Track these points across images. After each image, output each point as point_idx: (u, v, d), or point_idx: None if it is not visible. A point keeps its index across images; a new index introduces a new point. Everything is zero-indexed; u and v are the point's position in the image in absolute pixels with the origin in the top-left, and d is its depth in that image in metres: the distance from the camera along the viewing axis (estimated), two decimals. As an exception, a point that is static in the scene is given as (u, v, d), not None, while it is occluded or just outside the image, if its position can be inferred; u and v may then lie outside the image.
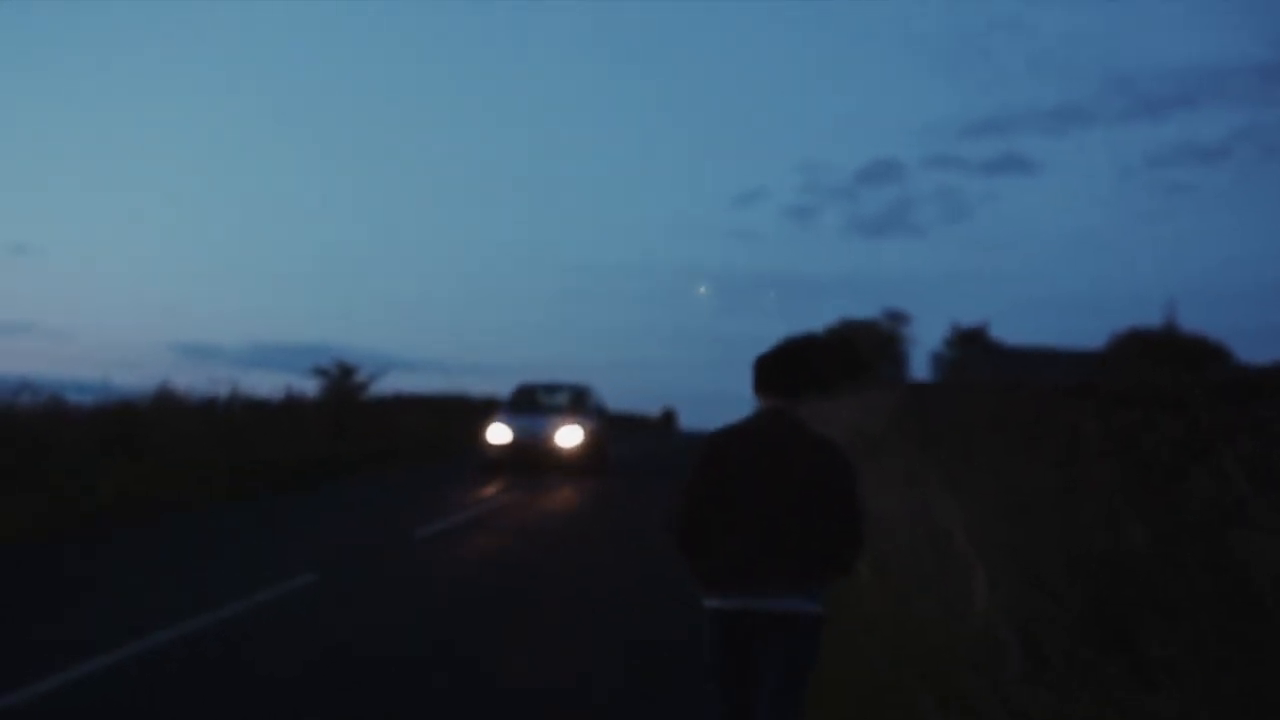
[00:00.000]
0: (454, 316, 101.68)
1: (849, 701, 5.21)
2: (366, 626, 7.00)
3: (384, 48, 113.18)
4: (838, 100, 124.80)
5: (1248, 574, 4.76)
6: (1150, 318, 45.99)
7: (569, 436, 19.87)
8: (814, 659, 3.70)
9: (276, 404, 22.07)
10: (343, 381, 25.33)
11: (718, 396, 74.53)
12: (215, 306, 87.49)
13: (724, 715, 3.82)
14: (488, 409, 24.31)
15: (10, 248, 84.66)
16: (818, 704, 4.70)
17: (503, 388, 23.41)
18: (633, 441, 35.75)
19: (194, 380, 23.08)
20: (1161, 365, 25.99)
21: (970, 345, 53.84)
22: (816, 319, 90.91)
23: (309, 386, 24.62)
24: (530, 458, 19.55)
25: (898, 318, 64.13)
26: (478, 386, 43.89)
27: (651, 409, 67.31)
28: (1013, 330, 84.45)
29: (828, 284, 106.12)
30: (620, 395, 68.59)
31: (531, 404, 21.77)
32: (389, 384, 29.19)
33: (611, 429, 24.20)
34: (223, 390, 20.02)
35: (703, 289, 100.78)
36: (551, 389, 22.89)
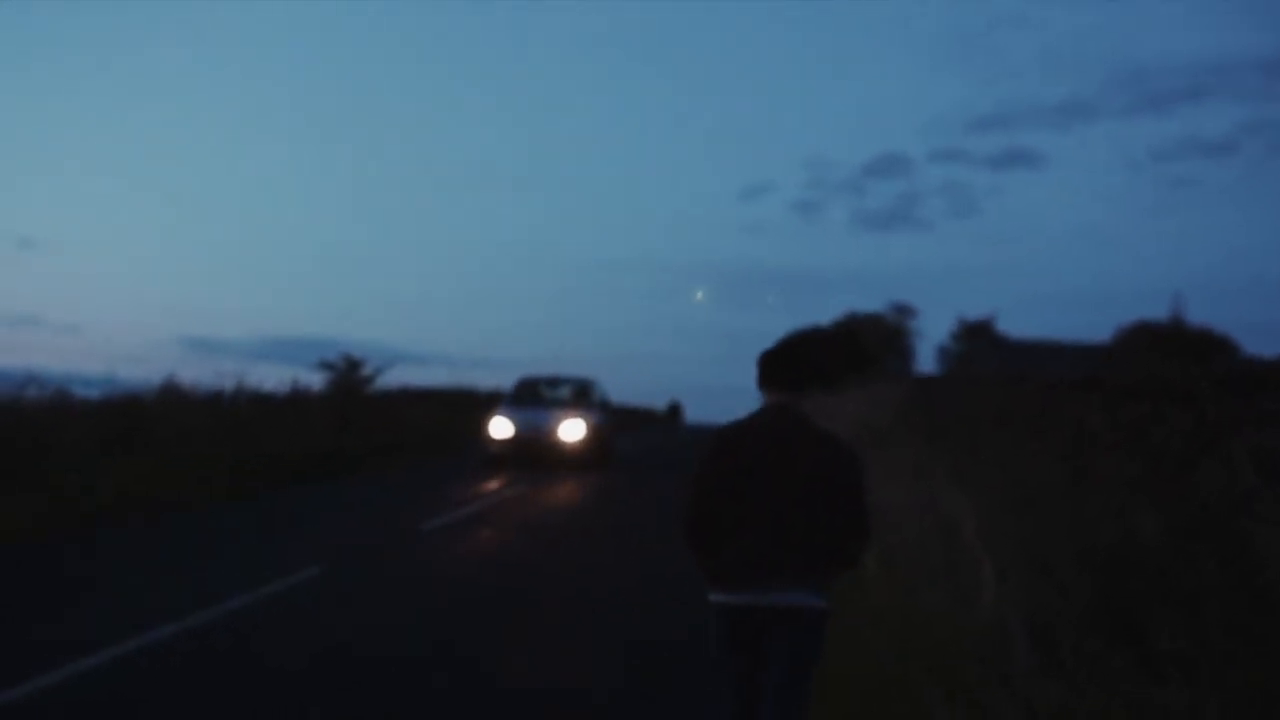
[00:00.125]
0: (461, 311, 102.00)
1: (855, 696, 5.18)
2: (365, 626, 6.96)
3: (390, 45, 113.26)
4: (844, 95, 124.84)
5: (1257, 566, 4.74)
6: (1157, 311, 45.91)
7: (572, 430, 19.59)
8: (818, 653, 3.70)
9: (282, 398, 22.03)
10: (349, 375, 25.25)
11: (724, 390, 74.64)
12: (223, 300, 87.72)
13: (731, 710, 3.81)
14: (494, 402, 24.15)
15: (18, 241, 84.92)
16: (823, 699, 4.68)
17: (509, 381, 23.11)
18: (639, 435, 35.73)
19: (200, 374, 23.10)
20: (1168, 359, 25.89)
21: (977, 339, 53.77)
22: (823, 313, 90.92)
23: (315, 380, 24.61)
24: (532, 452, 19.26)
25: (904, 311, 64.12)
26: (485, 380, 43.95)
27: (658, 403, 67.42)
28: (1019, 324, 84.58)
29: (834, 278, 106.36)
30: (627, 389, 68.79)
31: (534, 397, 21.46)
32: (395, 378, 29.20)
33: (615, 423, 23.93)
34: (228, 384, 19.99)
35: (699, 295, 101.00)
36: (554, 382, 22.55)
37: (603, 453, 20.74)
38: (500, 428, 19.51)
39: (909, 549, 7.80)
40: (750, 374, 3.92)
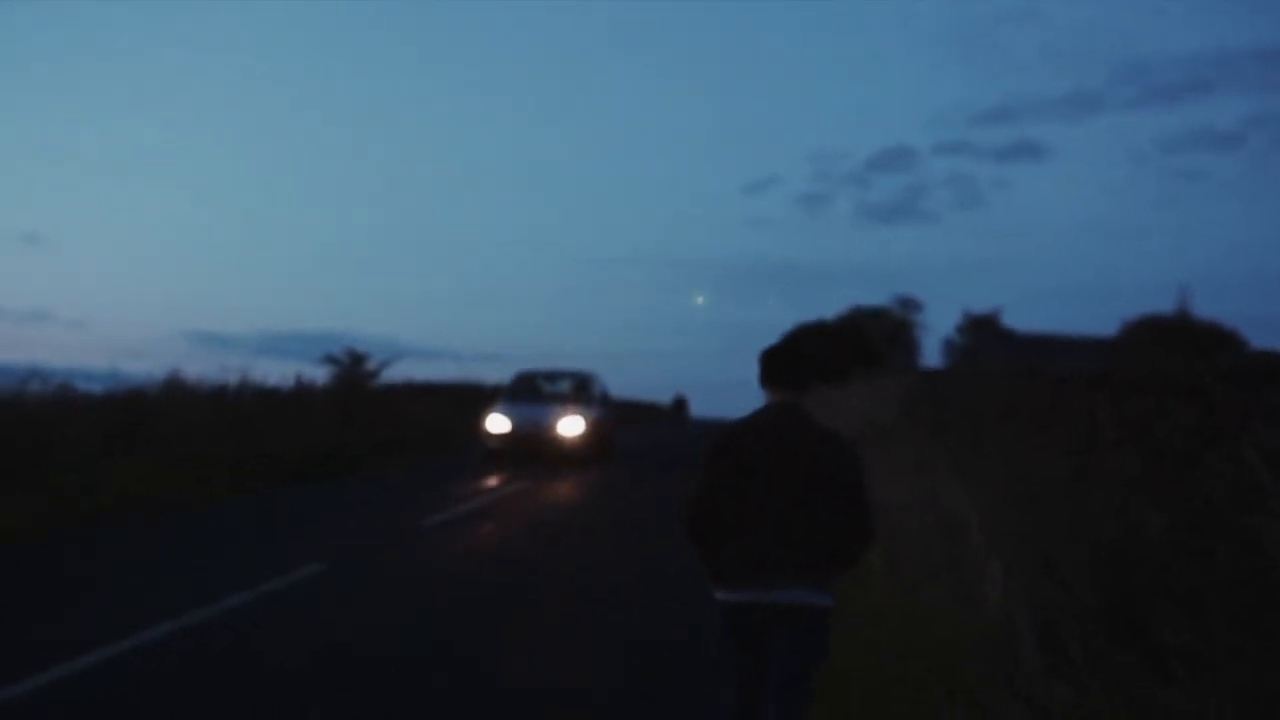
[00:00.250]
0: (467, 306, 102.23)
1: (856, 696, 5.13)
2: (365, 625, 6.93)
3: (393, 42, 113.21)
4: (848, 88, 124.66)
5: (1269, 563, 4.68)
6: (1163, 305, 45.72)
7: (571, 426, 19.15)
8: (821, 651, 3.69)
9: (286, 392, 21.93)
10: (353, 369, 25.26)
11: (730, 385, 74.67)
12: (228, 295, 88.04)
13: (734, 708, 3.82)
14: (498, 397, 23.96)
15: (24, 237, 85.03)
16: (824, 698, 4.63)
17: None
18: (644, 430, 35.70)
19: (206, 369, 23.04)
20: (1174, 352, 25.77)
21: (982, 332, 53.60)
22: (828, 307, 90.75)
23: (319, 375, 24.59)
24: (531, 448, 18.85)
25: (910, 305, 63.84)
26: (491, 375, 43.95)
27: (664, 398, 67.40)
28: (1025, 317, 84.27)
29: (839, 272, 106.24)
30: (633, 384, 68.78)
31: (532, 392, 21.00)
32: (401, 372, 29.29)
33: (617, 417, 23.51)
34: (233, 379, 19.91)
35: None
36: (553, 376, 22.08)
37: (603, 448, 20.34)
38: (498, 424, 19.10)
39: (912, 546, 7.74)
40: (756, 368, 3.93)
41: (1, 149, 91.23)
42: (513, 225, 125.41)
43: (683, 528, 3.78)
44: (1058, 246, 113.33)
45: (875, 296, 74.96)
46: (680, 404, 69.28)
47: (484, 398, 28.66)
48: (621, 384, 60.70)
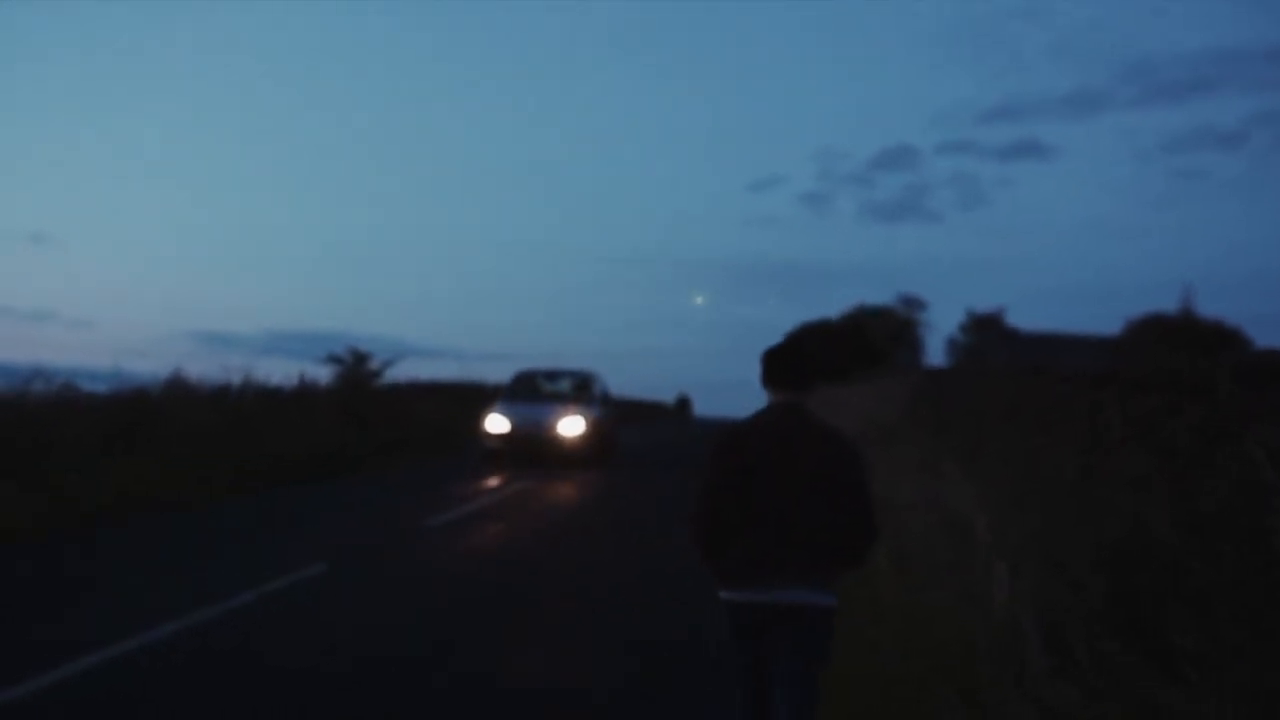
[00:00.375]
0: (471, 305, 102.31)
1: (858, 696, 5.11)
2: (365, 625, 6.91)
3: (399, 40, 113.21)
4: (852, 87, 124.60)
5: (1274, 562, 4.65)
6: (1167, 304, 45.58)
7: (571, 426, 18.79)
8: (825, 651, 3.69)
9: (289, 392, 21.82)
10: (356, 369, 25.17)
11: (734, 384, 74.69)
12: (233, 295, 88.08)
13: (742, 707, 3.83)
14: (497, 397, 23.77)
15: (29, 237, 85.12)
16: (828, 699, 4.60)
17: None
18: (647, 430, 35.66)
19: (210, 368, 22.99)
20: (1178, 351, 25.71)
21: (986, 331, 53.56)
22: (832, 306, 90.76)
23: (323, 374, 24.53)
24: (530, 449, 18.49)
25: (913, 304, 63.85)
26: (495, 374, 43.96)
27: (668, 397, 67.42)
28: (1029, 316, 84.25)
29: (843, 270, 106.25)
30: (637, 383, 68.77)
31: (532, 392, 20.63)
32: (405, 371, 29.16)
33: (618, 417, 23.15)
34: (236, 378, 19.78)
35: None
36: (553, 375, 21.72)
37: (604, 449, 20.01)
38: (497, 424, 18.77)
39: (916, 545, 7.72)
40: (758, 369, 3.91)
41: (6, 149, 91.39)
42: (518, 224, 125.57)
43: (690, 528, 3.77)
44: (1061, 245, 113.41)
45: (879, 296, 74.85)
46: (684, 403, 69.31)
47: (487, 397, 28.59)
48: (625, 383, 60.79)
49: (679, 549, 9.28)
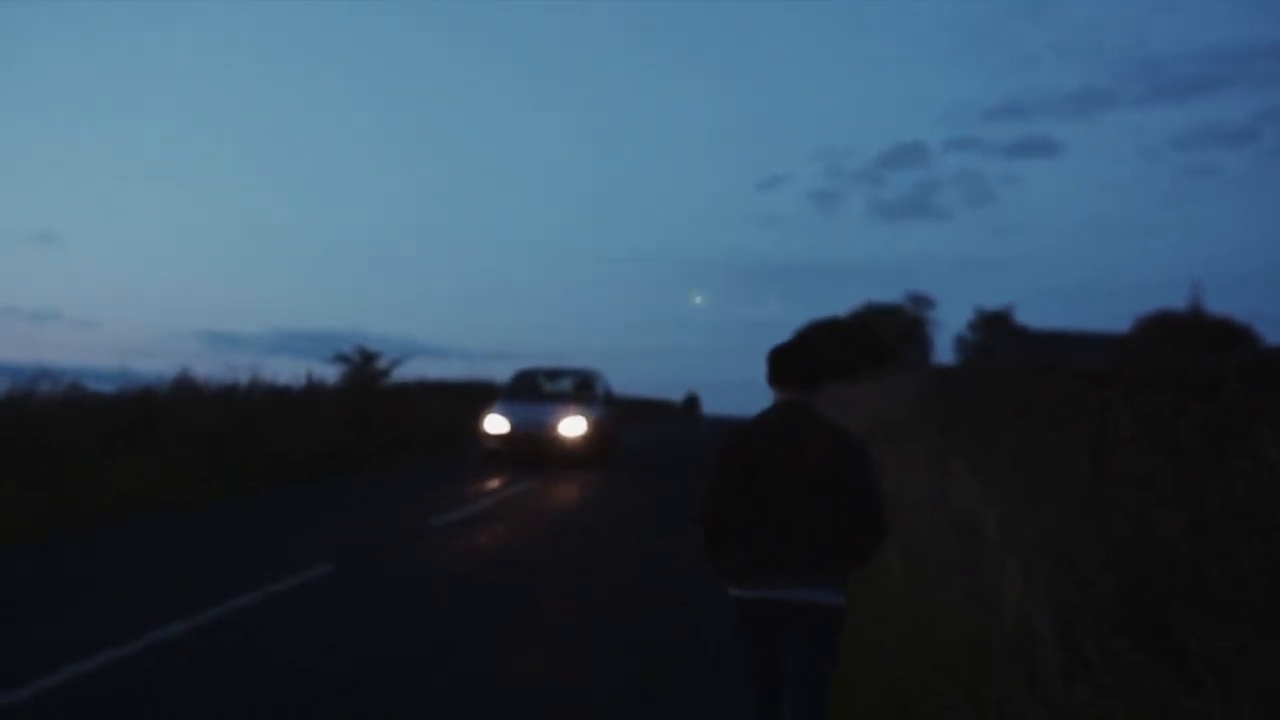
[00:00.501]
0: (479, 304, 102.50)
1: (860, 696, 5.07)
2: (365, 625, 6.88)
3: (404, 38, 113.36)
4: (859, 85, 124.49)
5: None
6: (1175, 301, 45.50)
7: (572, 426, 18.41)
8: (833, 649, 3.67)
9: (296, 391, 21.70)
10: (363, 368, 25.13)
11: (743, 383, 74.65)
12: (241, 295, 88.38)
13: (755, 707, 3.82)
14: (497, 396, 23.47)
15: (36, 237, 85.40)
16: (834, 700, 4.56)
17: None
18: (653, 429, 35.59)
19: (218, 368, 22.91)
20: (1186, 348, 25.59)
21: (995, 329, 53.49)
22: (841, 304, 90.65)
23: (330, 373, 24.48)
24: (530, 450, 18.14)
25: (922, 302, 63.79)
26: (502, 373, 43.87)
27: (676, 395, 67.42)
28: (1037, 314, 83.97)
29: (851, 269, 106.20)
30: (645, 382, 68.78)
31: (533, 391, 20.26)
32: (412, 370, 29.09)
33: (620, 417, 22.78)
34: (242, 378, 19.64)
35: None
36: (554, 374, 21.32)
37: (605, 449, 19.64)
38: (496, 424, 18.45)
39: (924, 544, 7.67)
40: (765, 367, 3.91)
41: (13, 149, 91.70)
42: (526, 224, 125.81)
43: (699, 526, 3.78)
44: (1069, 243, 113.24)
45: (888, 293, 74.96)
46: (692, 402, 69.31)
47: (493, 396, 28.53)
48: (634, 382, 60.83)
49: (679, 549, 9.25)
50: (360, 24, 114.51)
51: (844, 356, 43.78)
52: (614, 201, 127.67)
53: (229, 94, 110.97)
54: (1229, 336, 37.16)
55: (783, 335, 3.92)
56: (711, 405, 68.56)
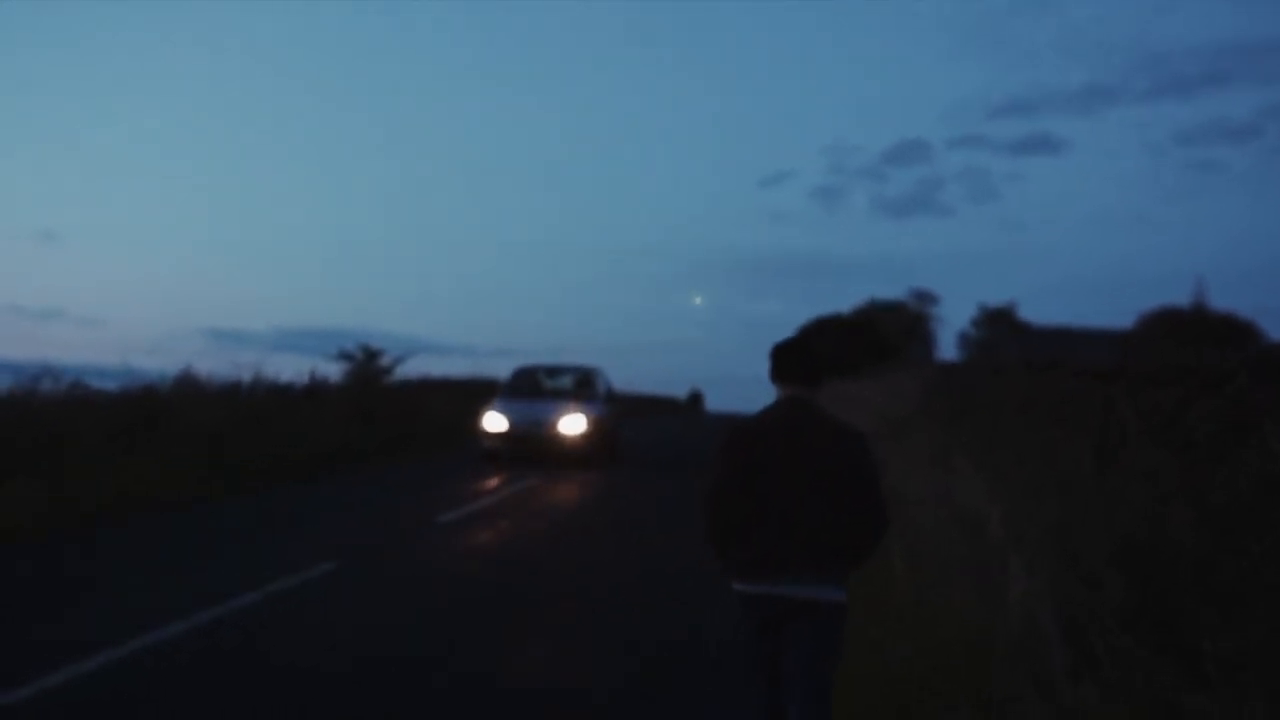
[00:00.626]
0: (483, 301, 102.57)
1: (859, 695, 5.04)
2: (366, 625, 6.85)
3: (409, 37, 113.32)
4: (864, 81, 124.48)
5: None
6: (1179, 297, 45.40)
7: (572, 424, 18.09)
8: (834, 646, 3.67)
9: (300, 389, 21.70)
10: (367, 365, 25.07)
11: (747, 379, 74.61)
12: (244, 292, 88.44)
13: (759, 705, 3.81)
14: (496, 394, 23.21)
15: (40, 234, 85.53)
16: (836, 700, 4.53)
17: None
18: (657, 425, 35.50)
19: (221, 366, 22.87)
20: (1190, 345, 25.51)
21: (998, 325, 53.40)
22: (845, 300, 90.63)
23: (334, 371, 24.44)
24: (529, 448, 17.88)
25: (925, 298, 63.65)
26: (506, 370, 43.82)
27: (680, 391, 67.40)
28: (1041, 310, 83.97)
29: (855, 265, 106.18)
30: (649, 378, 68.72)
31: (532, 388, 19.93)
32: (417, 367, 28.97)
33: (621, 414, 22.44)
34: (246, 375, 19.65)
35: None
36: (554, 371, 21.02)
37: (606, 447, 19.24)
38: (494, 422, 18.13)
39: (927, 541, 7.63)
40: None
41: (17, 147, 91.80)
42: (529, 220, 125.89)
43: (702, 522, 3.78)
44: (1073, 239, 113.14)
45: (891, 290, 74.91)
46: (696, 398, 69.26)
47: (498, 392, 28.41)
48: (637, 378, 60.79)
49: (679, 549, 9.21)
50: (363, 23, 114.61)
51: (847, 353, 43.73)
52: (618, 199, 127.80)
53: (232, 92, 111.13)
54: (1233, 333, 37.09)
55: (786, 332, 3.91)
56: (715, 401, 68.59)
